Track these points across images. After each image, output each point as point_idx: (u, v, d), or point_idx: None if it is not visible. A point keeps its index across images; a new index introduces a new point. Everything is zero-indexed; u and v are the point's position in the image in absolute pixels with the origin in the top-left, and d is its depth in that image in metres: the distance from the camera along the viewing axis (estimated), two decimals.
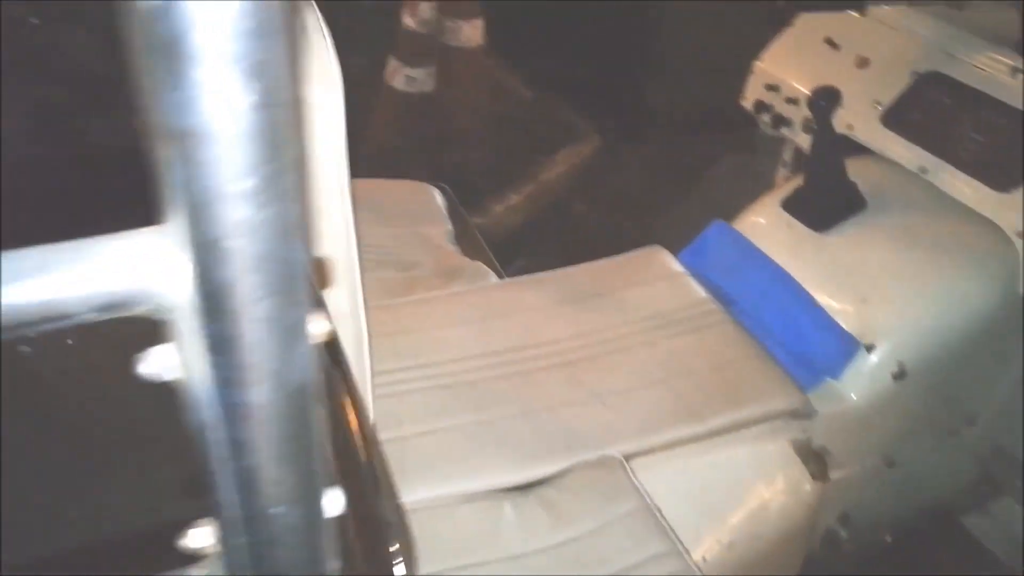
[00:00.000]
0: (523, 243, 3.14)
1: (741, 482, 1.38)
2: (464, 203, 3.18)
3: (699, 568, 1.14)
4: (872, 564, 1.66)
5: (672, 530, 1.19)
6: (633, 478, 1.25)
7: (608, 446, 1.29)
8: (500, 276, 1.73)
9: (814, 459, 1.46)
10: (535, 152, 3.60)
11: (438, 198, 1.97)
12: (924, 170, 1.58)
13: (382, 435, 1.25)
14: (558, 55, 4.31)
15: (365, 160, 3.04)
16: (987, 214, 1.47)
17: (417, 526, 1.13)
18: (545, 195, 3.40)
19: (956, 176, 1.52)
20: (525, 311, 1.55)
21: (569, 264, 1.69)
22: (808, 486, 1.42)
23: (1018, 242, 1.42)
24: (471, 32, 3.20)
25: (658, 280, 1.66)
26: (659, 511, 1.21)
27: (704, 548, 1.31)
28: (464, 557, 1.12)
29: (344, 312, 0.99)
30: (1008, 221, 1.43)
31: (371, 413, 1.12)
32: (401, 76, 2.87)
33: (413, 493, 1.18)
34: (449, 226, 1.90)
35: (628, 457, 1.29)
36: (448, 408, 1.32)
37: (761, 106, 1.95)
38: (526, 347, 1.46)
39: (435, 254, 1.78)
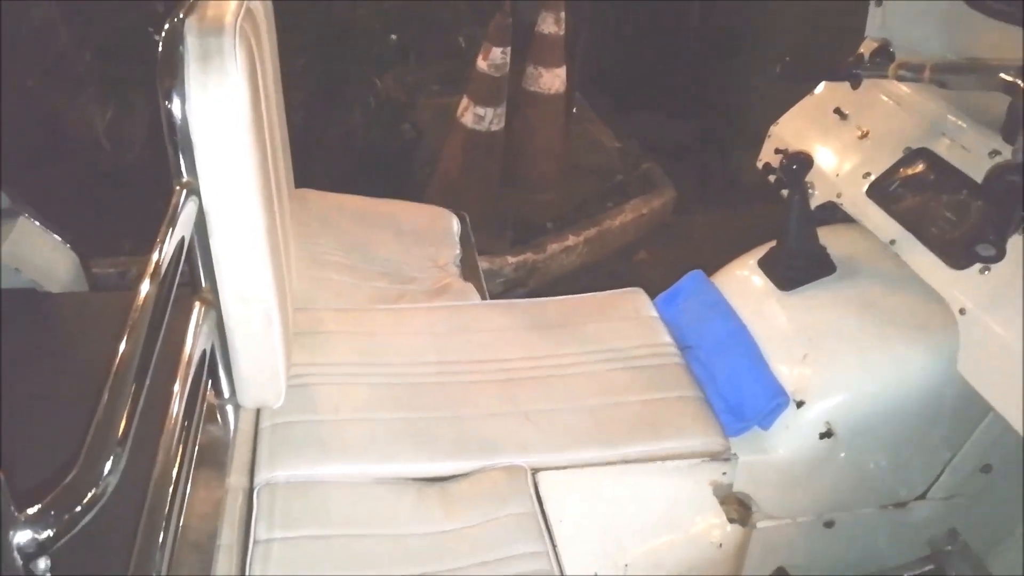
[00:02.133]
0: (566, 282, 3.27)
1: (650, 512, 1.45)
2: (519, 239, 3.36)
3: (562, 570, 1.23)
4: None
5: (550, 536, 1.29)
6: (532, 487, 1.36)
7: (519, 456, 1.41)
8: (484, 298, 1.88)
9: (735, 504, 1.51)
10: (606, 199, 3.72)
11: (455, 224, 2.15)
12: (894, 242, 1.61)
13: (320, 416, 1.43)
14: (653, 111, 4.44)
15: (425, 186, 3.28)
16: (938, 290, 1.49)
17: (323, 496, 1.30)
18: (607, 240, 3.51)
19: (919, 251, 1.54)
20: (488, 330, 1.69)
21: None
22: (727, 529, 1.47)
23: (960, 320, 1.43)
24: (551, 79, 3.39)
25: (626, 319, 1.77)
26: (545, 518, 1.32)
27: (599, 564, 1.40)
28: (354, 527, 1.26)
29: (248, 296, 1.17)
30: (954, 299, 1.45)
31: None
32: (470, 114, 3.10)
33: (329, 468, 1.35)
34: (458, 250, 2.08)
35: (536, 470, 1.40)
36: (385, 403, 1.48)
37: (768, 168, 2.02)
38: (475, 361, 1.60)
39: (434, 274, 1.96)
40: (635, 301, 1.82)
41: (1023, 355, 1.32)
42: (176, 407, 0.95)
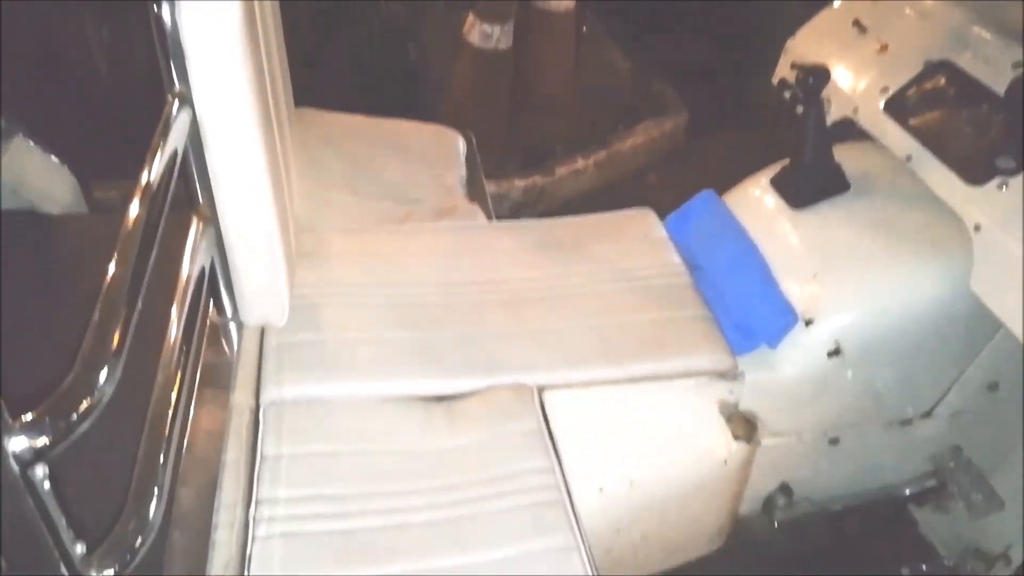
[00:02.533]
0: (575, 206, 3.23)
1: (655, 429, 1.46)
2: (527, 162, 3.30)
3: (568, 486, 1.24)
4: (806, 534, 1.68)
5: (556, 452, 1.29)
6: (538, 405, 1.36)
7: (525, 375, 1.41)
8: (490, 219, 1.86)
9: (741, 422, 1.52)
10: (616, 120, 3.64)
11: (461, 145, 2.11)
12: (910, 158, 1.57)
13: (326, 335, 1.42)
14: (666, 31, 4.29)
15: (431, 107, 3.21)
16: (954, 206, 1.45)
17: (330, 414, 1.31)
18: (617, 163, 3.45)
19: (935, 166, 1.50)
20: (495, 251, 1.67)
21: None
22: (732, 446, 1.48)
23: (974, 236, 1.40)
24: None
25: (635, 239, 1.74)
26: (551, 435, 1.32)
27: (605, 480, 1.41)
28: (361, 444, 1.27)
29: (247, 211, 1.15)
30: (969, 215, 1.42)
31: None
32: (477, 31, 3.00)
33: (336, 386, 1.35)
34: (463, 171, 2.04)
35: (542, 388, 1.40)
36: (393, 323, 1.47)
37: (784, 84, 1.95)
38: (482, 282, 1.59)
39: (440, 194, 1.93)
40: (644, 222, 1.80)
41: None
42: (175, 322, 0.94)
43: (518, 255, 1.67)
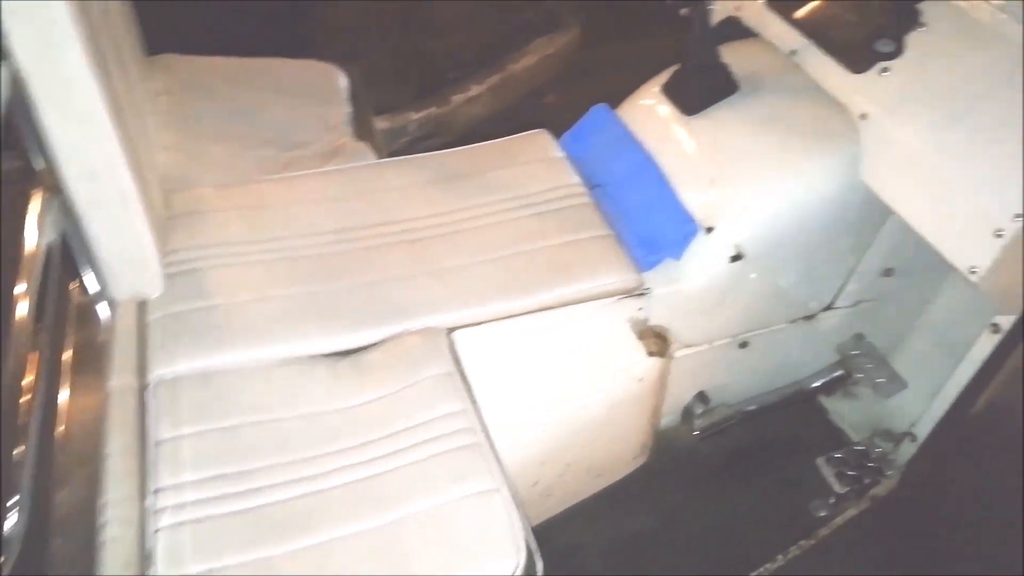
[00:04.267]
0: (477, 134, 3.13)
1: (569, 355, 1.44)
2: (422, 92, 3.16)
3: (485, 426, 1.21)
4: (726, 438, 1.72)
5: (470, 393, 1.26)
6: (449, 347, 1.32)
7: (433, 317, 1.36)
8: (380, 157, 1.77)
9: (652, 337, 1.51)
10: (508, 41, 3.51)
11: (342, 80, 1.99)
12: (795, 52, 1.55)
13: (214, 301, 1.33)
14: None
15: (310, 36, 3.01)
16: (839, 97, 1.45)
17: (229, 385, 1.23)
18: (512, 85, 3.35)
19: (819, 58, 1.50)
20: (388, 190, 1.59)
21: None
22: (646, 363, 1.48)
23: (861, 125, 1.40)
24: None
25: (532, 163, 1.69)
26: (463, 376, 1.28)
27: (524, 414, 1.39)
28: (266, 413, 1.20)
29: (93, 171, 1.04)
30: (855, 104, 1.41)
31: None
32: None
33: (231, 355, 1.27)
34: (348, 108, 1.93)
35: (452, 329, 1.35)
36: (285, 279, 1.39)
37: None
38: (377, 224, 1.51)
39: (325, 136, 1.83)
40: (540, 143, 1.74)
41: (921, 156, 1.31)
42: (22, 306, 0.84)
43: (412, 192, 1.60)
